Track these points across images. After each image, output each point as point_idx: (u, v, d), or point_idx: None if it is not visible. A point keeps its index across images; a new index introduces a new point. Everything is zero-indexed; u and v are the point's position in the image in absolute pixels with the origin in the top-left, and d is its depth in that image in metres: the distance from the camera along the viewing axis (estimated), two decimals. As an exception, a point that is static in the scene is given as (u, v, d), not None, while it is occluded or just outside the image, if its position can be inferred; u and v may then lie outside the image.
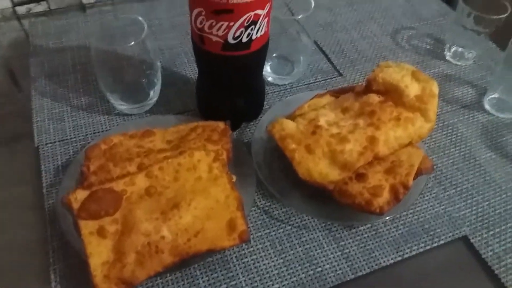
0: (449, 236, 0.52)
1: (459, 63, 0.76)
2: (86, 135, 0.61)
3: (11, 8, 0.82)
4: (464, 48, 0.75)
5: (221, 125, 0.56)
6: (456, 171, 0.59)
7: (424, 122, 0.53)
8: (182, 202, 0.46)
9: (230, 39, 0.49)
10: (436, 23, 0.84)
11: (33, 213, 0.52)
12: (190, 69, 0.72)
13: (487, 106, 0.68)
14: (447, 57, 0.77)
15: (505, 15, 0.67)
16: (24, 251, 0.50)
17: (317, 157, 0.50)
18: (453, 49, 0.76)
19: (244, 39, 0.49)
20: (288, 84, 0.70)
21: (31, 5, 0.82)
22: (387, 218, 0.51)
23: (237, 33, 0.48)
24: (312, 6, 0.62)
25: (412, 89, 0.54)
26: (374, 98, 0.55)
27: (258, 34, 0.50)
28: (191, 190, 0.47)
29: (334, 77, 0.72)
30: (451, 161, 0.60)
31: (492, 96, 0.68)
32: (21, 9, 0.82)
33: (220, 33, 0.48)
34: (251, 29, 0.49)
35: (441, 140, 0.63)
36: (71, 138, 0.61)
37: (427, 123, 0.53)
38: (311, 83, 0.71)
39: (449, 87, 0.71)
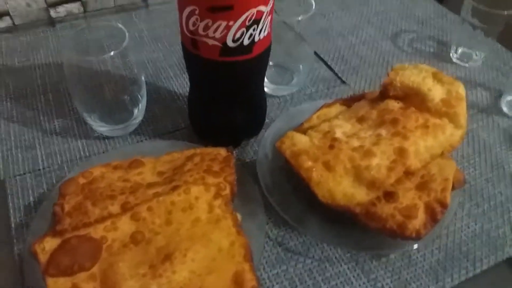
0: (492, 259, 0.45)
1: (467, 65, 0.70)
2: (62, 163, 0.52)
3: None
4: (472, 49, 0.69)
5: (222, 152, 0.47)
6: (486, 183, 0.53)
7: (454, 128, 0.46)
8: (176, 253, 0.37)
9: (229, 42, 0.41)
10: (435, 25, 0.79)
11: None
12: (178, 84, 0.64)
13: (505, 109, 0.63)
14: (454, 59, 0.71)
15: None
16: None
17: (338, 175, 0.43)
18: (460, 51, 0.70)
19: (246, 42, 0.42)
20: (288, 95, 0.63)
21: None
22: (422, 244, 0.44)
23: (238, 35, 0.41)
24: (313, 7, 0.56)
25: (436, 92, 0.48)
26: (393, 104, 0.49)
27: (261, 36, 0.43)
28: (188, 236, 0.38)
29: (337, 85, 0.65)
30: (478, 171, 0.54)
31: (510, 98, 0.63)
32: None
33: (218, 35, 0.41)
34: (253, 29, 0.41)
35: (463, 149, 0.57)
36: (44, 168, 0.52)
37: (457, 129, 0.46)
38: (313, 92, 0.64)
39: (461, 90, 0.66)
